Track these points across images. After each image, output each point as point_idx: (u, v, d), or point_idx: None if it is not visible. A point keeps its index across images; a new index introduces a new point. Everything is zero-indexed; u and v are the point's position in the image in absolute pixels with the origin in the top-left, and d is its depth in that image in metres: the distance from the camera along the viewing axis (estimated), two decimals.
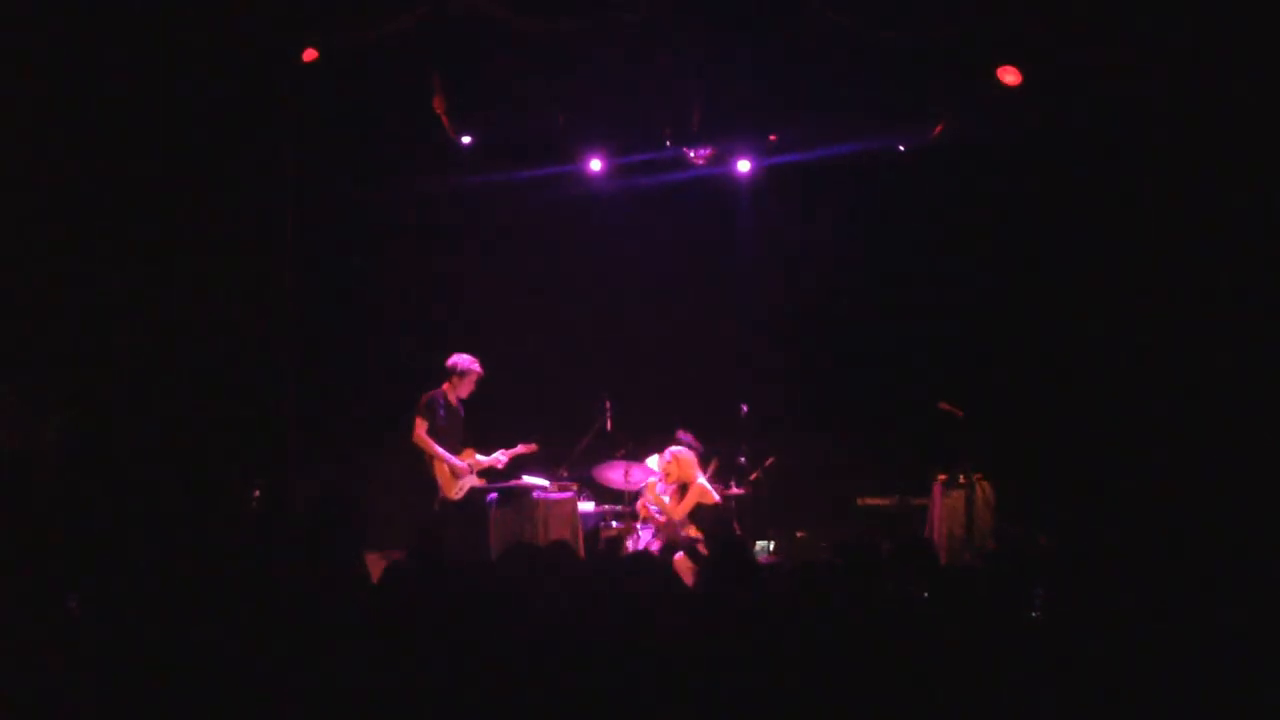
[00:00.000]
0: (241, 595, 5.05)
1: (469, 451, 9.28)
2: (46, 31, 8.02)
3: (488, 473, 9.52)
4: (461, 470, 9.21)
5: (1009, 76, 8.89)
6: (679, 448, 9.25)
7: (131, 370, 8.27)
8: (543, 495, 9.49)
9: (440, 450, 9.10)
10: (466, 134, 9.77)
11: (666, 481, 9.21)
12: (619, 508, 9.73)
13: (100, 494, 7.88)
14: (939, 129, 9.56)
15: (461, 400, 9.27)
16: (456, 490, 9.21)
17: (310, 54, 8.67)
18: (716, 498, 9.16)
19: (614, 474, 9.72)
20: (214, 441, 8.36)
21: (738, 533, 9.14)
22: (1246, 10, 8.13)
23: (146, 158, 8.34)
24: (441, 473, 9.14)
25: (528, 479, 9.60)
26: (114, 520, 7.82)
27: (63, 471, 7.85)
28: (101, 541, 7.61)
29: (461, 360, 9.24)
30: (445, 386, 9.23)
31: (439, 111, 9.31)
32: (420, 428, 9.08)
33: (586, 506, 9.80)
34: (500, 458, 9.35)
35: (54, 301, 8.12)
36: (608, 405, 9.75)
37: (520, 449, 9.44)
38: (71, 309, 8.18)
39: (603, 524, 9.73)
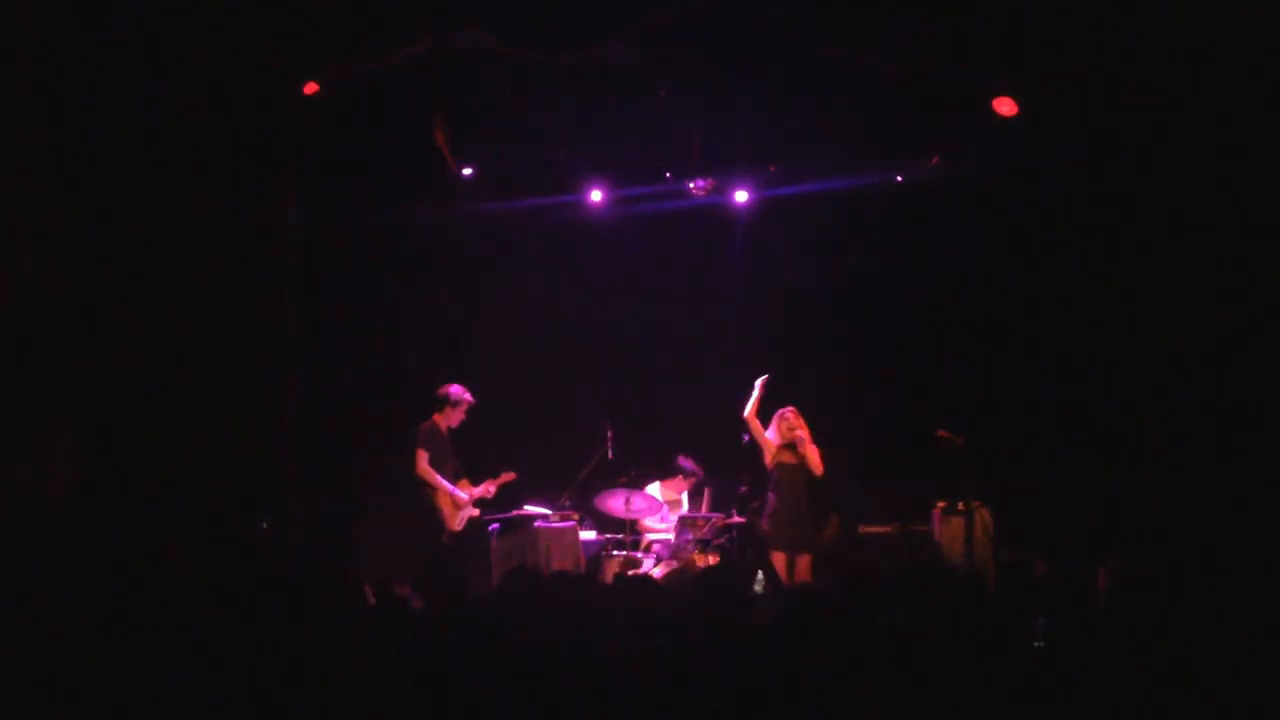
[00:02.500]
0: (247, 624, 5.09)
1: (464, 482, 9.32)
2: (47, 58, 8.06)
3: (488, 502, 9.57)
4: (463, 501, 9.25)
5: (1004, 107, 8.97)
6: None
7: (134, 400, 8.28)
8: (544, 524, 9.53)
9: (443, 481, 9.14)
10: (467, 166, 9.84)
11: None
12: (620, 536, 9.77)
13: (107, 526, 7.91)
14: (935, 160, 9.65)
15: (451, 430, 9.32)
16: (458, 521, 9.25)
17: (311, 87, 8.72)
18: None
19: (616, 502, 9.74)
20: (218, 473, 8.36)
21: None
22: (1245, 40, 8.20)
23: (147, 189, 8.36)
24: (445, 504, 9.18)
25: (529, 508, 9.65)
26: (122, 551, 7.86)
27: (70, 506, 7.86)
28: (110, 571, 7.66)
29: (453, 390, 9.29)
30: (436, 417, 9.27)
31: (440, 144, 9.38)
32: (422, 460, 9.12)
33: (588, 535, 9.84)
34: (489, 488, 9.40)
35: (55, 333, 8.13)
36: (609, 434, 9.79)
37: (502, 478, 9.48)
38: (73, 340, 8.19)
39: (604, 553, 9.77)
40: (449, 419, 9.30)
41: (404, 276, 10.80)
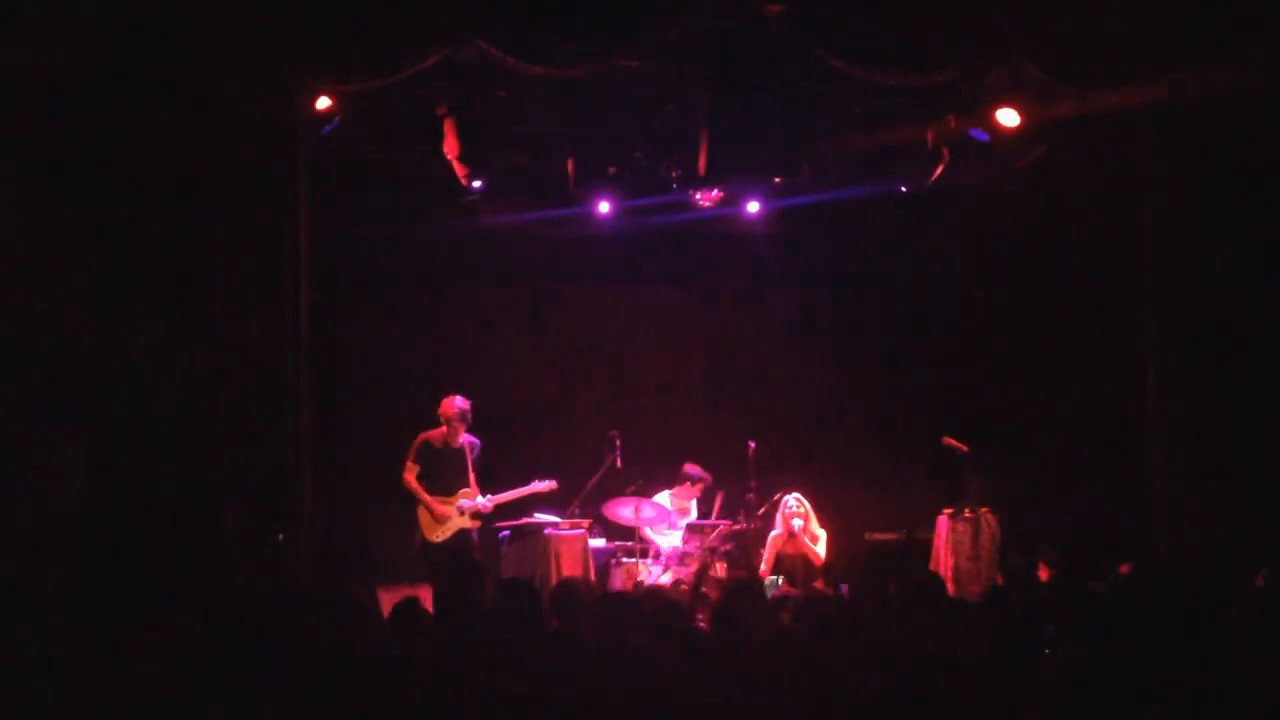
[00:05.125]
0: (260, 636, 5.15)
1: (464, 492, 9.35)
2: (63, 72, 8.14)
3: (500, 510, 9.62)
4: (444, 514, 9.27)
5: (1008, 118, 9.03)
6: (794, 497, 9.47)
7: (148, 410, 8.35)
8: (554, 532, 9.60)
9: (423, 494, 9.23)
10: (477, 178, 9.94)
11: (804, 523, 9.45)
12: (630, 543, 9.84)
13: (122, 540, 7.98)
14: (939, 171, 9.73)
15: (461, 441, 9.36)
16: (439, 533, 9.29)
17: (323, 101, 8.81)
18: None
19: (624, 510, 9.82)
20: (233, 483, 8.43)
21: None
22: (1247, 50, 8.27)
23: (162, 203, 8.44)
24: (423, 516, 9.27)
25: (539, 516, 9.73)
26: (136, 564, 7.93)
27: (85, 518, 7.93)
28: (123, 580, 7.73)
29: (451, 403, 9.35)
30: (443, 428, 9.35)
31: (450, 157, 9.47)
32: (409, 472, 9.25)
33: (598, 543, 9.91)
34: (492, 499, 9.42)
35: (69, 348, 8.20)
36: (618, 442, 9.86)
37: (536, 486, 9.54)
38: (88, 356, 8.26)
39: (614, 560, 9.84)
40: (445, 431, 9.36)
41: (413, 286, 10.88)
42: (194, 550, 8.04)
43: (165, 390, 8.32)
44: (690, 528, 9.91)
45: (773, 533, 9.58)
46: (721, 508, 10.11)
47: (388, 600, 7.73)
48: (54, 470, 8.02)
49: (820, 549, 9.49)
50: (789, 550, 9.48)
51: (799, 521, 9.44)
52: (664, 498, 10.17)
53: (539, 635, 5.17)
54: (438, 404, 9.45)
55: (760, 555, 9.62)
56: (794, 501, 9.52)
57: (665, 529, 10.09)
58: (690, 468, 10.17)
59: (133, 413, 8.27)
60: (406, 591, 8.44)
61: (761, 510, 9.81)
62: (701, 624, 6.04)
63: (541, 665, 4.70)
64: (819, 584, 9.42)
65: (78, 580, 7.71)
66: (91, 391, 8.22)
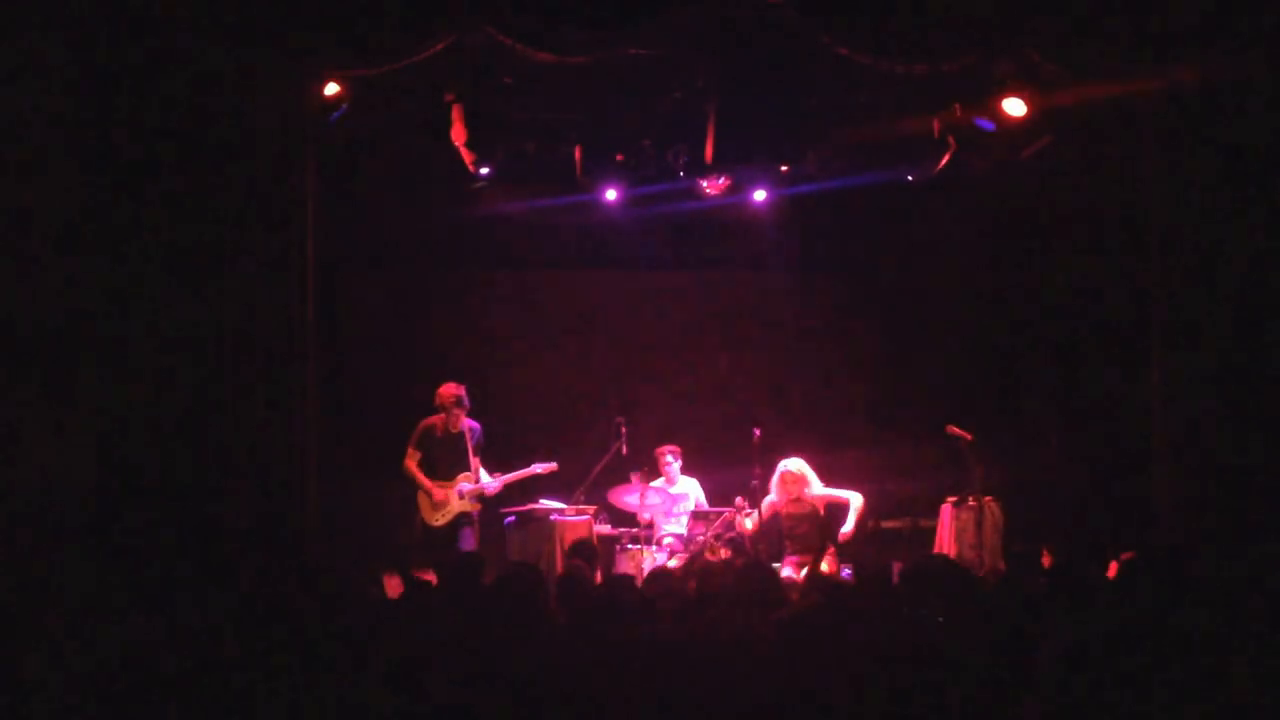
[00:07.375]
0: (264, 619, 5.19)
1: (464, 476, 9.41)
2: (70, 64, 8.15)
3: (505, 496, 9.67)
4: (443, 499, 9.34)
5: (1014, 108, 9.05)
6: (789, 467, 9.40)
7: (157, 401, 8.38)
8: (559, 518, 9.65)
9: (423, 480, 9.31)
10: (485, 165, 9.96)
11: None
12: (634, 530, 9.88)
13: (128, 519, 8.03)
14: (945, 160, 9.74)
15: (461, 426, 9.40)
16: (439, 518, 9.37)
17: (332, 87, 8.83)
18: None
19: (629, 497, 9.86)
20: (238, 466, 8.47)
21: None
22: (1250, 39, 8.27)
23: (169, 191, 8.46)
24: (423, 501, 9.35)
25: (544, 502, 9.78)
26: (141, 544, 7.98)
27: (91, 499, 7.97)
28: (129, 564, 7.78)
29: (446, 390, 9.40)
30: (441, 415, 9.41)
31: (457, 143, 9.50)
32: (409, 459, 9.33)
33: (603, 529, 9.95)
34: (500, 480, 9.45)
35: (76, 334, 8.23)
36: (623, 429, 9.90)
37: (537, 468, 9.59)
38: (95, 343, 8.29)
39: (618, 546, 9.88)
40: (449, 417, 9.41)
41: (420, 274, 10.91)
42: (201, 538, 8.09)
43: (173, 376, 8.36)
44: (695, 514, 9.95)
45: (767, 498, 9.55)
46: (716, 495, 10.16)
47: (394, 585, 7.82)
48: (61, 459, 8.06)
49: (839, 493, 9.42)
50: (792, 510, 9.45)
51: (807, 487, 9.41)
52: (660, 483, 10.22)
53: (544, 621, 5.21)
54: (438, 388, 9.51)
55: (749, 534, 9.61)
56: (794, 470, 9.46)
57: (669, 516, 10.13)
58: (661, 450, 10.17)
59: (141, 399, 8.31)
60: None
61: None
62: (704, 610, 6.06)
63: (546, 652, 4.75)
64: (831, 553, 9.40)
65: (86, 569, 7.75)
66: (99, 378, 8.25)
